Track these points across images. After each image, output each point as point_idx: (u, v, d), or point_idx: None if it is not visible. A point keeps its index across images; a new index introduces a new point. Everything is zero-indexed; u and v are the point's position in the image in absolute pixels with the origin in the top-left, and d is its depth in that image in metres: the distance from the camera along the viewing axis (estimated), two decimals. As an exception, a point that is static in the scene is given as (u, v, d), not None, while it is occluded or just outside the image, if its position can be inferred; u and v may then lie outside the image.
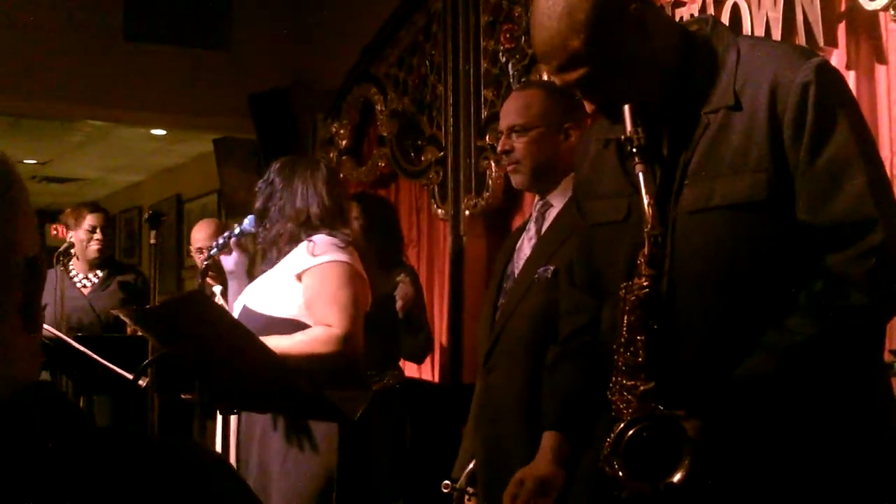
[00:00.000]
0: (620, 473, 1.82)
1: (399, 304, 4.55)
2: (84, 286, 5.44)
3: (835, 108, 1.85)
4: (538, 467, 2.17)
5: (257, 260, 3.64)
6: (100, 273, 5.49)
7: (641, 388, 1.85)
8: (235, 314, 3.35)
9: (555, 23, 1.91)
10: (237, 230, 3.55)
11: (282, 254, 3.37)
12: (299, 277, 3.30)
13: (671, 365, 1.87)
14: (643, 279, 1.85)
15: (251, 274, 3.59)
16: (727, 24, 3.72)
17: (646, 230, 1.85)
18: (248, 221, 3.52)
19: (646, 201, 1.85)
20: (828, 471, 1.85)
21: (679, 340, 1.89)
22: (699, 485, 1.79)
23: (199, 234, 5.39)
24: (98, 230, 5.41)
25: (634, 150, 1.88)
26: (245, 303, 3.37)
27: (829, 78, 1.88)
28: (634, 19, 1.92)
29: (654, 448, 1.81)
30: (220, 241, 3.58)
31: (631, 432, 1.83)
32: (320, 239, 3.32)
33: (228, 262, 3.62)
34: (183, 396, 4.08)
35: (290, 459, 3.22)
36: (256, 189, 3.46)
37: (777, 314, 1.84)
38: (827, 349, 1.84)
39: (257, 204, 3.44)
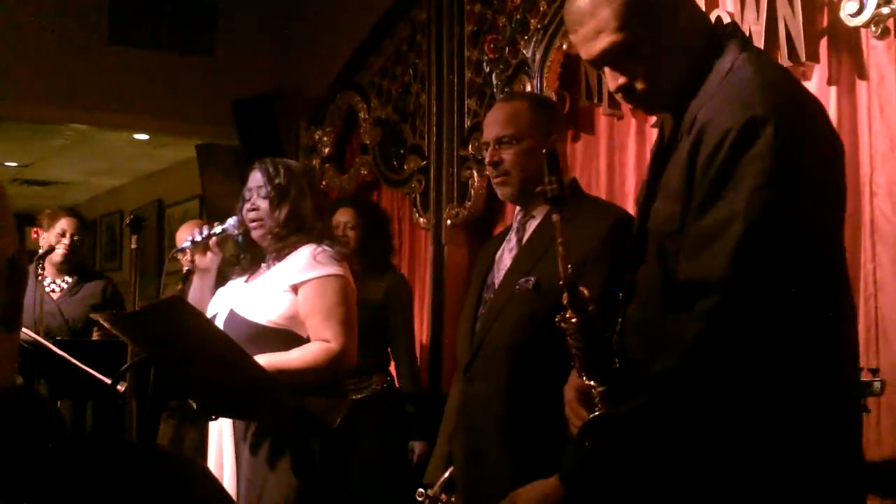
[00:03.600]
0: None
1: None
2: (53, 291, 5.38)
3: (743, 163, 1.75)
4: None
5: (230, 262, 3.61)
6: (69, 279, 5.44)
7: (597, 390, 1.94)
8: (209, 313, 3.34)
9: None
10: (218, 229, 3.49)
11: (279, 260, 3.36)
12: (295, 289, 3.26)
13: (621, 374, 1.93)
14: (571, 316, 1.92)
15: (223, 275, 3.56)
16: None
17: (560, 280, 1.91)
18: (231, 222, 3.46)
19: (560, 252, 1.89)
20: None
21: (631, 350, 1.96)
22: None
23: (184, 235, 5.35)
24: (67, 235, 5.36)
25: (549, 199, 1.91)
26: (232, 307, 3.33)
27: (752, 132, 1.75)
28: (666, 3, 1.93)
29: None
30: (199, 237, 3.52)
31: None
32: (318, 251, 3.30)
33: (204, 260, 3.58)
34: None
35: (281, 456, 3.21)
36: (264, 192, 3.37)
37: None
38: (645, 419, 1.82)
39: (279, 210, 3.38)
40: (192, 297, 3.57)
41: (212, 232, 3.50)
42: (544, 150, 1.95)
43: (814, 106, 1.92)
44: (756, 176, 1.73)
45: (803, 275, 1.75)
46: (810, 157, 1.80)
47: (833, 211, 1.87)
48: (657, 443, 1.81)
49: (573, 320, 1.91)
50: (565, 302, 1.91)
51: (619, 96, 2.03)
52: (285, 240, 3.35)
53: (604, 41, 1.91)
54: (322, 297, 3.25)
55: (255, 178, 3.43)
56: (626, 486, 1.84)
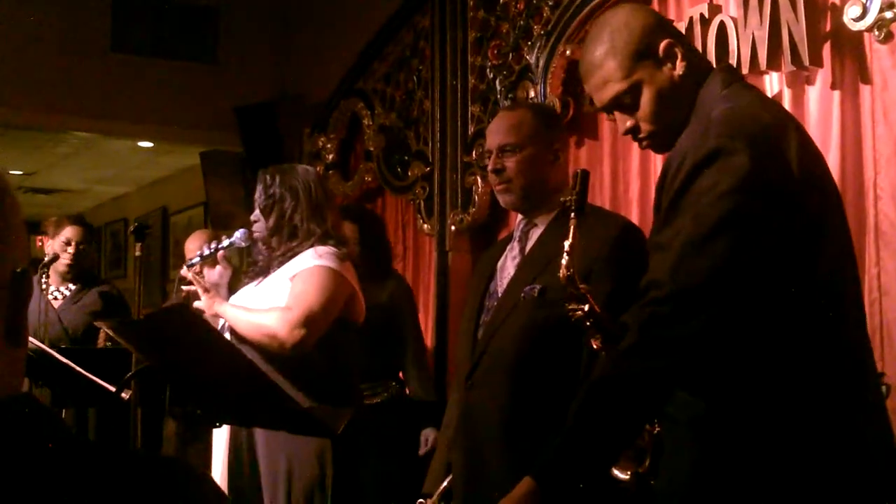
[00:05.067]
0: None
1: None
2: (55, 298, 5.35)
3: (693, 188, 1.97)
4: None
5: (240, 274, 3.62)
6: (72, 287, 5.42)
7: None
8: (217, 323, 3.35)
9: (597, 46, 2.18)
10: (226, 243, 3.51)
11: (284, 263, 3.37)
12: (293, 279, 3.31)
13: None
14: (575, 308, 2.18)
15: (233, 288, 3.57)
16: (713, 42, 3.75)
17: (560, 274, 2.17)
18: (239, 235, 3.48)
19: (566, 250, 2.16)
20: None
21: None
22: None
23: (193, 245, 5.34)
24: (72, 244, 5.33)
25: (568, 207, 2.18)
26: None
27: (704, 161, 1.96)
28: (666, 52, 2.15)
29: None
30: (207, 252, 3.52)
31: None
32: (323, 249, 3.33)
33: (213, 274, 3.58)
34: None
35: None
36: (260, 203, 3.43)
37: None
38: (610, 390, 2.02)
39: (268, 220, 3.42)
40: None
41: (219, 245, 3.51)
42: (578, 171, 2.22)
43: (781, 133, 2.03)
44: (701, 198, 1.96)
45: (745, 277, 1.96)
46: (759, 182, 1.96)
47: (796, 229, 1.99)
48: (616, 416, 2.00)
49: (578, 313, 2.16)
50: (568, 294, 2.18)
51: (629, 137, 2.25)
52: (281, 247, 3.38)
53: (611, 90, 2.17)
54: (305, 281, 3.28)
55: (257, 188, 3.48)
56: (592, 467, 2.02)
